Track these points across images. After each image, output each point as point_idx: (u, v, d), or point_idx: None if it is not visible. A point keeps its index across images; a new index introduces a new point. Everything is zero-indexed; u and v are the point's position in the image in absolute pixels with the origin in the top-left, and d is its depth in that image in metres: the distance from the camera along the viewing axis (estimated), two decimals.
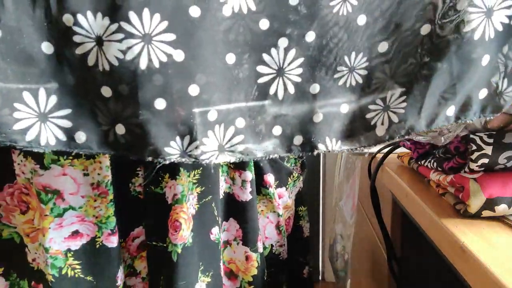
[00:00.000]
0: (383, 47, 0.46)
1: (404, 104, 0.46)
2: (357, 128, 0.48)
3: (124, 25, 0.38)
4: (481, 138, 0.45)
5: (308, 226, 0.77)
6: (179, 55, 0.40)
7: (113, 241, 0.54)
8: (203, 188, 0.58)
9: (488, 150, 0.45)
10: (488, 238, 0.41)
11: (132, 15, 0.38)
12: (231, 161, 0.47)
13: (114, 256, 0.54)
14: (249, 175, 0.60)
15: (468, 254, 0.38)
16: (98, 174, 0.51)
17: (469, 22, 0.42)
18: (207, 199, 0.58)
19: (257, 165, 0.62)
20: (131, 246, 0.58)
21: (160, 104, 0.41)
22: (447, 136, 0.49)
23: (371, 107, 0.48)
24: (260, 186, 0.64)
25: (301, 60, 0.45)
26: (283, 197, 0.67)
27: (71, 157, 0.50)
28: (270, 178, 0.64)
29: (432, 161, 0.54)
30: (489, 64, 0.44)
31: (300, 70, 0.46)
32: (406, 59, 0.46)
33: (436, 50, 0.44)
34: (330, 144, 0.48)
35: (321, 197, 1.52)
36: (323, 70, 0.46)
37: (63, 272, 0.53)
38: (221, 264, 0.62)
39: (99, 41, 0.39)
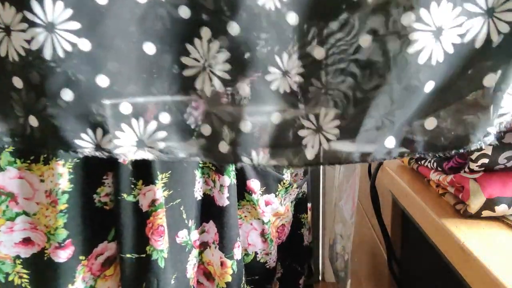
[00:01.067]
0: (319, 52, 0.42)
1: (337, 131, 0.43)
2: (288, 144, 0.45)
3: (27, 14, 0.37)
4: None
5: (308, 234, 0.75)
6: (84, 45, 0.39)
7: (60, 256, 0.51)
8: (171, 191, 0.56)
9: (488, 150, 0.44)
10: (488, 238, 0.41)
11: (34, 4, 0.37)
12: (150, 159, 0.44)
13: (61, 273, 0.51)
14: (227, 180, 0.58)
15: (468, 254, 0.38)
16: (51, 181, 0.49)
17: (413, 42, 0.38)
18: (174, 203, 0.57)
19: (240, 169, 0.61)
20: (94, 264, 0.55)
21: (67, 95, 0.40)
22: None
23: (305, 123, 0.44)
24: (243, 191, 0.62)
25: (227, 55, 0.41)
26: (272, 204, 0.65)
27: (28, 161, 0.49)
28: (254, 184, 0.62)
29: (432, 161, 0.54)
30: (436, 91, 0.40)
31: (227, 66, 0.42)
32: (342, 72, 0.41)
33: (376, 67, 0.40)
34: (256, 158, 0.45)
35: (321, 197, 1.52)
36: (253, 69, 0.42)
37: (10, 278, 0.51)
38: (189, 266, 0.60)
39: (8, 31, 0.39)
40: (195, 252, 0.61)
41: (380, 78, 0.40)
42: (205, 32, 0.41)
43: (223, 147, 0.45)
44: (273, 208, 0.66)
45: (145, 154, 0.44)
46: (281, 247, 0.71)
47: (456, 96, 0.41)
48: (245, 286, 0.64)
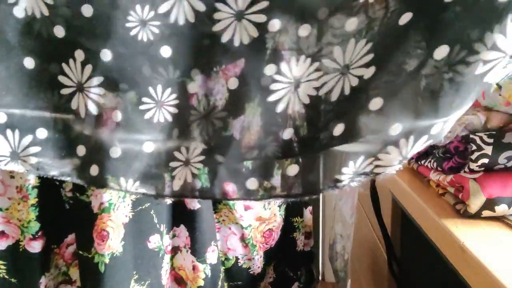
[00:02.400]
0: (192, 86, 0.43)
1: (201, 165, 0.44)
2: (158, 174, 0.46)
3: None
4: (481, 138, 0.45)
5: (305, 237, 0.72)
6: None
7: (34, 247, 0.54)
8: (139, 195, 0.56)
9: (488, 150, 0.45)
10: (488, 238, 0.41)
11: None
12: (21, 171, 0.45)
13: (36, 262, 0.54)
14: (198, 183, 0.56)
15: (468, 254, 0.38)
16: (21, 177, 0.52)
17: (273, 92, 0.41)
18: (143, 207, 0.56)
19: (214, 172, 0.60)
20: (66, 253, 0.58)
21: None
22: (447, 136, 0.49)
23: (177, 154, 0.45)
24: None
25: (100, 79, 0.42)
26: (253, 209, 0.63)
27: None
28: (229, 187, 0.61)
29: (432, 161, 0.54)
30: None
31: (101, 91, 0.43)
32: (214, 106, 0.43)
33: (240, 113, 0.42)
34: (124, 185, 0.46)
35: (321, 197, 1.52)
36: (126, 96, 0.43)
37: None
38: (163, 272, 0.60)
39: None
40: (167, 257, 0.60)
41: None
42: (79, 54, 0.42)
43: (94, 170, 0.45)
44: (255, 213, 0.64)
45: (16, 167, 0.45)
46: (273, 252, 0.69)
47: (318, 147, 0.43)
48: None
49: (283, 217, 0.69)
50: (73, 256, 0.58)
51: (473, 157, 0.45)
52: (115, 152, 0.44)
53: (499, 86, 0.45)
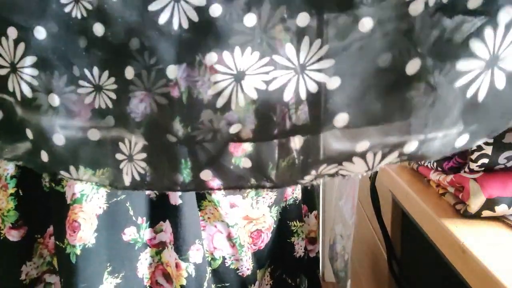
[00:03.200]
0: (128, 72, 0.40)
1: (144, 164, 0.42)
2: (107, 164, 0.43)
3: None
4: None
5: (305, 243, 0.70)
6: None
7: (14, 235, 0.55)
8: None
9: (488, 150, 0.44)
10: (488, 238, 0.41)
11: None
12: None
13: (17, 250, 0.55)
14: (179, 177, 0.53)
15: (468, 254, 0.38)
16: (0, 167, 0.52)
17: (215, 84, 0.38)
18: (119, 198, 0.55)
19: (197, 167, 0.59)
20: (49, 243, 0.58)
21: None
22: None
23: (121, 146, 0.42)
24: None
25: (33, 59, 0.40)
26: (238, 207, 0.62)
27: None
28: (214, 183, 0.58)
29: (432, 161, 0.54)
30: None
31: (34, 71, 0.40)
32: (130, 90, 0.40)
33: (174, 104, 0.39)
34: (75, 174, 0.43)
35: (321, 197, 1.52)
36: (61, 79, 0.40)
37: None
38: (139, 265, 0.59)
39: None
40: (150, 251, 0.60)
41: (171, 116, 0.40)
42: (12, 32, 0.39)
43: (44, 156, 0.43)
44: (241, 212, 0.62)
45: None
46: (265, 255, 0.67)
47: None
48: None
49: (278, 219, 0.67)
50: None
51: (473, 157, 0.45)
52: (59, 139, 0.42)
53: None
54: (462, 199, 0.46)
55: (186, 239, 0.58)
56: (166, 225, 0.59)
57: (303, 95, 0.38)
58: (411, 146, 0.37)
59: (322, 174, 0.41)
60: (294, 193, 0.69)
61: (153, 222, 0.59)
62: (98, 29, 0.39)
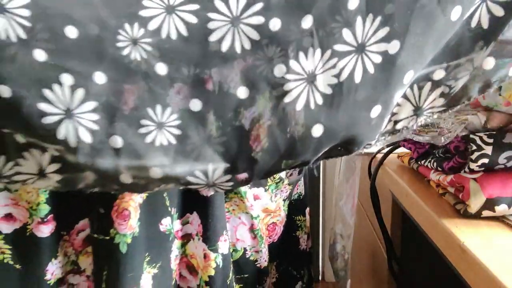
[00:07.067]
0: (194, 104, 0.40)
1: (231, 184, 0.43)
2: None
3: None
4: (481, 138, 0.45)
5: (306, 238, 0.72)
6: None
7: (43, 231, 0.52)
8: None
9: (488, 150, 0.45)
10: (488, 238, 0.41)
11: None
12: (50, 188, 0.44)
13: (44, 247, 0.53)
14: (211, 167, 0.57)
15: (468, 254, 0.38)
16: None
17: (288, 92, 0.40)
18: None
19: None
20: (76, 240, 0.56)
21: None
22: (447, 136, 0.49)
23: (191, 179, 0.42)
24: None
25: (94, 104, 0.39)
26: (261, 199, 0.63)
27: None
28: (241, 176, 0.61)
29: (432, 161, 0.54)
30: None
31: (95, 116, 0.39)
32: (224, 123, 0.40)
33: (258, 119, 0.40)
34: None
35: (321, 197, 1.52)
36: (123, 121, 0.39)
37: None
38: (173, 256, 0.59)
39: None
40: (177, 243, 0.60)
41: (261, 129, 0.41)
42: (66, 78, 0.38)
43: (111, 188, 0.44)
44: (262, 204, 0.64)
45: (44, 183, 0.43)
46: (276, 250, 0.69)
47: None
48: (233, 284, 0.62)
49: (286, 213, 0.69)
50: (84, 243, 0.56)
51: (473, 157, 0.45)
52: (126, 178, 0.42)
53: (499, 86, 0.45)
54: (462, 199, 0.46)
55: (217, 230, 0.59)
56: (193, 217, 0.60)
57: (370, 70, 0.40)
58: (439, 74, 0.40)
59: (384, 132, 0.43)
60: (298, 188, 0.71)
61: (182, 213, 0.60)
62: (161, 68, 0.40)
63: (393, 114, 0.42)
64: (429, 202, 0.51)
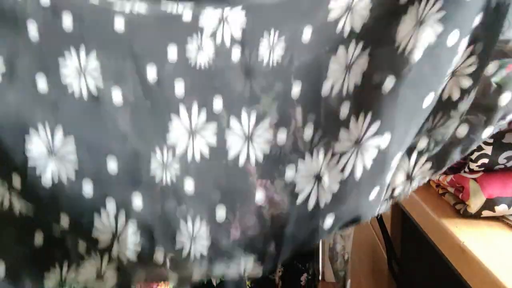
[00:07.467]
0: (221, 212, 0.43)
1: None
2: None
3: None
4: None
5: None
6: None
7: None
8: None
9: (488, 150, 0.44)
10: (488, 238, 0.41)
11: None
12: None
13: None
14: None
15: (468, 254, 0.38)
16: None
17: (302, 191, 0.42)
18: None
19: None
20: None
21: None
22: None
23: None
24: None
25: (134, 228, 0.41)
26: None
27: None
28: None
29: None
30: None
31: (137, 239, 0.42)
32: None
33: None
34: None
35: None
36: (163, 238, 0.42)
37: None
38: None
39: None
40: None
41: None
42: (111, 206, 0.41)
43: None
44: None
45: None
46: None
47: None
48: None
49: None
50: None
51: (473, 157, 0.45)
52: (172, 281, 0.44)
53: (499, 86, 0.45)
54: (462, 199, 0.46)
55: None
56: None
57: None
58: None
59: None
60: None
61: None
62: (189, 185, 0.42)
63: (389, 184, 0.43)
64: (429, 202, 0.51)
